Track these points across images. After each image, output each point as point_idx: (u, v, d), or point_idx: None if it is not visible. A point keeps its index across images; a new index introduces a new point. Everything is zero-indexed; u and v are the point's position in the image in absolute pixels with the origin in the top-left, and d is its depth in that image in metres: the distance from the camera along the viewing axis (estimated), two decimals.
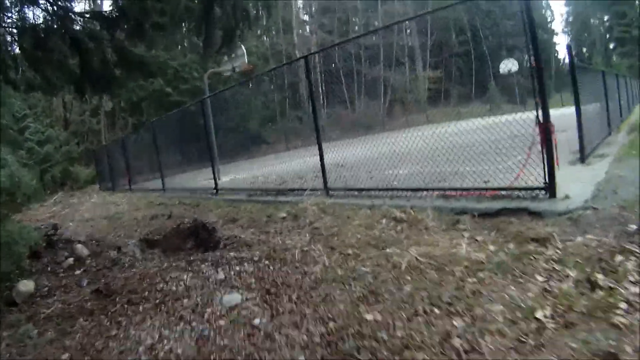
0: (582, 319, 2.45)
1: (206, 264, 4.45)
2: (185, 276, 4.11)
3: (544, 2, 57.80)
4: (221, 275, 4.06)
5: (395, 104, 45.89)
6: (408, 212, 4.98)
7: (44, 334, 3.20)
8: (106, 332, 3.14)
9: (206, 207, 8.93)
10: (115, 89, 6.52)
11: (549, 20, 62.47)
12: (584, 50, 32.83)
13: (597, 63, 43.40)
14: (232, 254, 4.71)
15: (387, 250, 3.95)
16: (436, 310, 2.76)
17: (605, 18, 59.20)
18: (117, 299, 3.73)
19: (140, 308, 3.50)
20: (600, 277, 2.84)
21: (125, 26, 5.33)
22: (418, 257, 3.62)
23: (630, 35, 52.26)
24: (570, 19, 63.06)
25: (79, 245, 5.27)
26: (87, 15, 5.94)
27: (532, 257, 3.33)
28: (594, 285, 2.78)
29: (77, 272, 4.76)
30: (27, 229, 4.42)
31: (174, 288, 3.84)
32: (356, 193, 6.89)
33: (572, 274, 2.97)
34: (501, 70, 36.06)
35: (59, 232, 6.88)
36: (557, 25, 73.34)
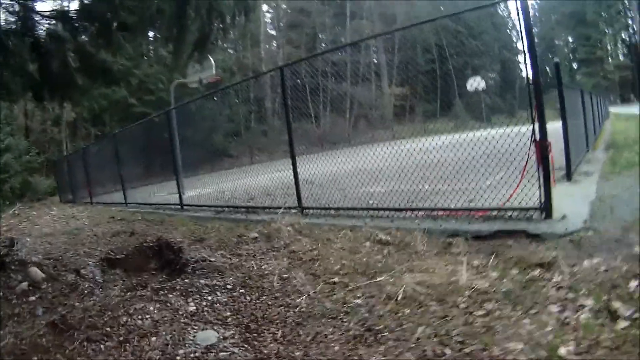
0: (610, 354, 2.16)
1: (174, 293, 3.96)
2: (151, 307, 3.62)
3: (509, 22, 59.52)
4: (192, 307, 3.60)
5: (361, 119, 45.97)
6: (394, 235, 4.66)
7: None
8: None
9: (171, 224, 8.39)
10: (76, 96, 5.98)
11: (514, 40, 64.45)
12: (548, 70, 34.10)
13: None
14: (202, 281, 4.24)
15: (378, 278, 3.58)
16: (448, 351, 2.40)
17: (570, 39, 62.07)
18: (75, 335, 3.20)
19: (102, 347, 3.00)
20: (618, 305, 2.57)
21: (91, 27, 4.85)
22: (414, 287, 3.27)
23: (594, 56, 54.93)
24: (536, 39, 65.11)
25: (34, 269, 4.70)
26: (49, 15, 5.40)
27: (539, 285, 3.04)
28: (614, 315, 2.50)
29: (32, 298, 4.18)
30: None
31: (139, 322, 3.34)
32: (333, 212, 6.53)
33: (588, 302, 2.69)
34: (468, 88, 36.75)
35: (16, 247, 6.37)
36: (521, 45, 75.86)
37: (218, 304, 3.63)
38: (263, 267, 4.46)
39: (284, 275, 4.09)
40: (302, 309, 3.24)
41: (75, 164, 16.50)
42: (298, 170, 7.21)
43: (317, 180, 7.84)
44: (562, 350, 2.25)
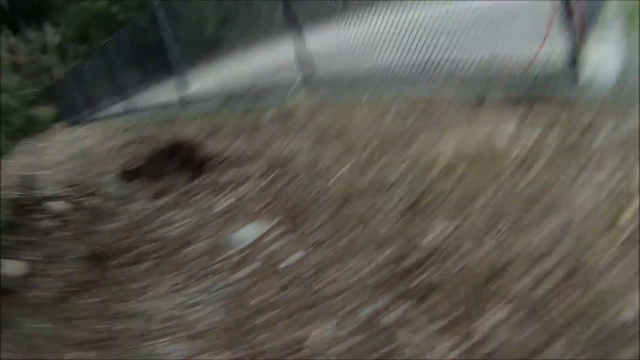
0: None
1: (201, 194, 3.78)
2: (180, 215, 3.48)
3: None
4: (223, 205, 3.43)
5: None
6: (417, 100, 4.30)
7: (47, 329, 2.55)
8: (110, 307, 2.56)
9: (179, 122, 8.01)
10: (55, 17, 5.37)
11: None
12: None
13: None
14: (226, 175, 4.02)
15: (409, 150, 3.29)
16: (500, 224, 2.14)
17: None
18: (109, 264, 3.11)
19: (140, 268, 2.90)
20: None
21: None
22: (450, 156, 2.98)
23: None
24: None
25: (56, 202, 4.56)
26: None
27: (583, 148, 2.63)
28: None
29: (60, 234, 4.08)
30: None
31: (172, 233, 3.22)
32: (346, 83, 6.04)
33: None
34: None
35: (36, 184, 6.35)
36: None
37: (249, 197, 3.45)
38: (286, 150, 4.14)
39: (311, 156, 3.79)
40: (338, 190, 3.04)
41: (70, 86, 15.92)
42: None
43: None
44: (625, 216, 1.97)
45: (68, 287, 3.00)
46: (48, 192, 5.38)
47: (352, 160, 3.40)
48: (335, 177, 3.23)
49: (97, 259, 3.23)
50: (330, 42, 6.50)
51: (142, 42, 11.48)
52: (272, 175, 3.70)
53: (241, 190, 3.61)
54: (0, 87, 14.45)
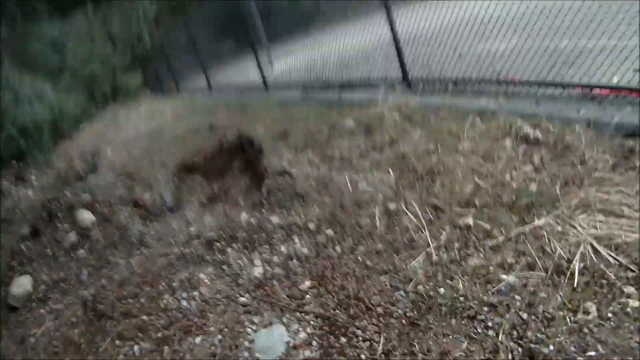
0: None
1: (235, 246, 2.96)
2: (201, 276, 2.69)
3: None
4: (258, 270, 2.61)
5: None
6: (544, 128, 3.14)
7: None
8: None
9: (253, 111, 7.32)
10: None
11: None
12: None
13: None
14: (276, 214, 3.20)
15: (536, 221, 2.23)
16: None
17: None
18: (107, 325, 2.45)
19: (135, 349, 2.19)
20: None
21: None
22: (596, 247, 1.94)
23: None
24: None
25: (83, 213, 4.03)
26: None
27: None
28: None
29: (80, 251, 3.58)
30: None
31: (185, 304, 2.46)
32: (453, 87, 4.87)
33: None
34: None
35: (97, 160, 6.37)
36: None
37: (294, 262, 2.61)
38: (360, 186, 3.25)
39: (390, 205, 2.87)
40: (417, 289, 2.08)
41: (159, 56, 16.10)
42: (397, 25, 5.38)
43: (421, 34, 5.79)
44: None
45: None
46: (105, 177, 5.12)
47: (447, 228, 2.43)
48: (418, 259, 2.29)
49: (95, 312, 2.59)
50: (431, 23, 5.24)
51: (229, 14, 10.91)
52: (334, 228, 2.83)
53: (286, 248, 2.79)
54: (91, 55, 14.88)
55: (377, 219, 2.77)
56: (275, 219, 3.11)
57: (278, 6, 9.89)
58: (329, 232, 2.82)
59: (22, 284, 3.21)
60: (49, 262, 3.53)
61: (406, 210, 2.74)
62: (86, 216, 3.88)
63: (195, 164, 5.19)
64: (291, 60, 9.57)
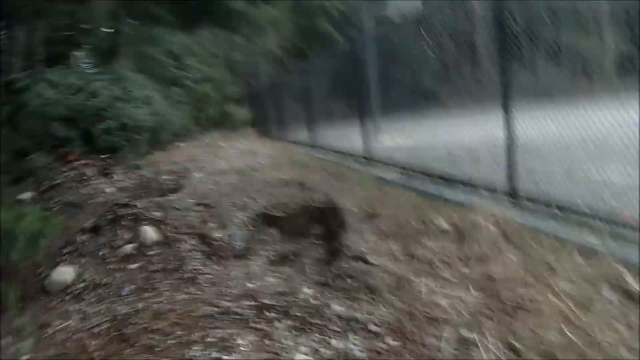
0: None
1: (285, 322, 2.70)
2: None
3: None
4: (301, 357, 2.34)
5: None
6: None
7: None
8: None
9: (347, 181, 7.07)
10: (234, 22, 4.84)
11: None
12: None
13: None
14: (339, 302, 2.92)
15: None
16: None
17: None
18: (126, 352, 2.41)
19: None
20: None
21: None
22: None
23: None
24: None
25: (146, 228, 3.96)
26: None
27: None
28: None
29: (132, 265, 3.61)
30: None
31: None
32: (557, 212, 4.25)
33: None
34: None
35: (182, 181, 6.54)
36: None
37: None
38: (437, 299, 2.88)
39: (463, 331, 2.50)
40: None
41: (267, 97, 16.51)
42: (516, 129, 4.77)
43: (541, 149, 5.14)
44: None
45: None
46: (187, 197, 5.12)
47: None
48: None
49: (118, 334, 2.58)
50: (543, 131, 4.60)
51: (346, 74, 10.83)
52: (397, 340, 2.49)
53: (339, 343, 2.48)
54: (206, 76, 15.53)
55: (445, 342, 2.42)
56: (336, 306, 2.85)
57: (396, 80, 9.65)
58: (391, 341, 2.49)
59: (63, 273, 3.31)
60: (98, 263, 3.56)
61: (478, 343, 2.36)
62: (150, 233, 3.88)
63: (275, 216, 5.08)
64: (397, 137, 9.27)
